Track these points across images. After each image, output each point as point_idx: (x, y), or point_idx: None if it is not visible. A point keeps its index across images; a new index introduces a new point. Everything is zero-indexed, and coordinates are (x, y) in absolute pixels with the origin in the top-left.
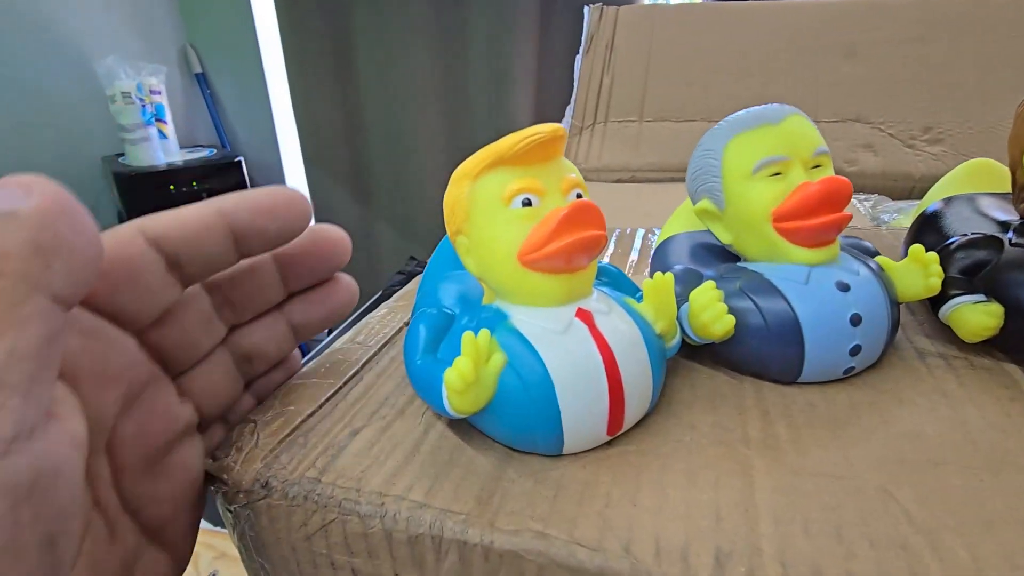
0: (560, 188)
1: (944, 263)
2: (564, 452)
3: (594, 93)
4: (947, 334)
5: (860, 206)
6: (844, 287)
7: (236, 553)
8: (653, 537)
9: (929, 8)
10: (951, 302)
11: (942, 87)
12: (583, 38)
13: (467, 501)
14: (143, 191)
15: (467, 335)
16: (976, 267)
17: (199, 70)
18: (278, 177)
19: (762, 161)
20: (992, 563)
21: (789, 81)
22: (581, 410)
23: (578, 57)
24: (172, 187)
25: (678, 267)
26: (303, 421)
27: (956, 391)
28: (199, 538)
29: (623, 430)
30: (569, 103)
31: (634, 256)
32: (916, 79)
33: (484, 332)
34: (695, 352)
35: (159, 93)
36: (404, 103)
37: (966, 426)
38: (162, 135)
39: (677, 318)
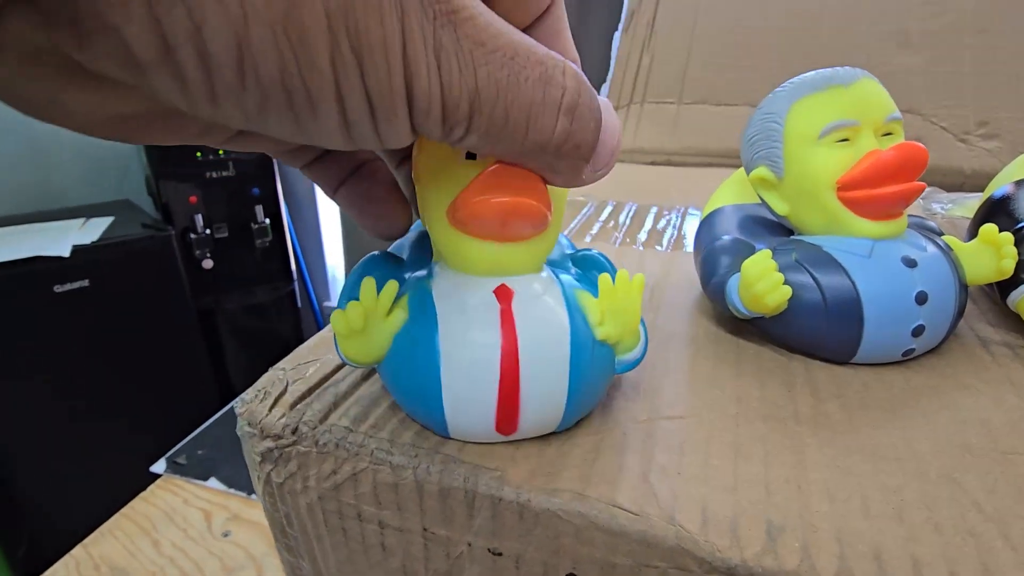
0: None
1: (1017, 246)
2: (452, 436)
3: (632, 72)
4: (1014, 323)
5: None
6: (911, 263)
7: (250, 516)
8: (699, 507)
9: None
10: (1023, 287)
11: (1002, 80)
12: (623, 14)
13: (503, 459)
14: (171, 157)
15: (368, 281)
16: None
17: None
18: None
19: (830, 125)
20: None
21: None
22: (467, 396)
23: (616, 34)
24: (199, 154)
25: (727, 237)
26: (332, 372)
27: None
28: (213, 498)
29: (517, 433)
30: (605, 81)
31: (672, 233)
32: (974, 71)
33: (391, 284)
34: (740, 327)
35: None
36: None
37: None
38: None
39: (724, 291)
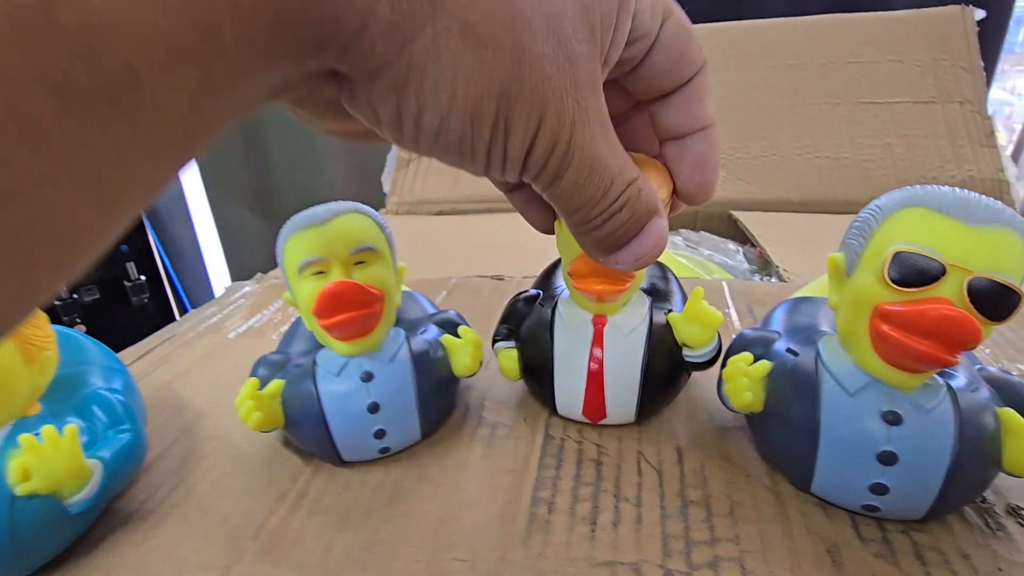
0: None
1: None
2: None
3: None
4: (527, 408)
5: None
6: (367, 377)
7: None
8: None
9: (719, 38)
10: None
11: (724, 115)
12: None
13: None
14: None
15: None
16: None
17: None
18: (176, 200)
19: (302, 263)
20: None
21: None
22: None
23: None
24: None
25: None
26: None
27: (476, 463)
28: None
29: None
30: None
31: None
32: None
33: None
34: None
35: None
36: None
37: (447, 507)
38: None
39: None
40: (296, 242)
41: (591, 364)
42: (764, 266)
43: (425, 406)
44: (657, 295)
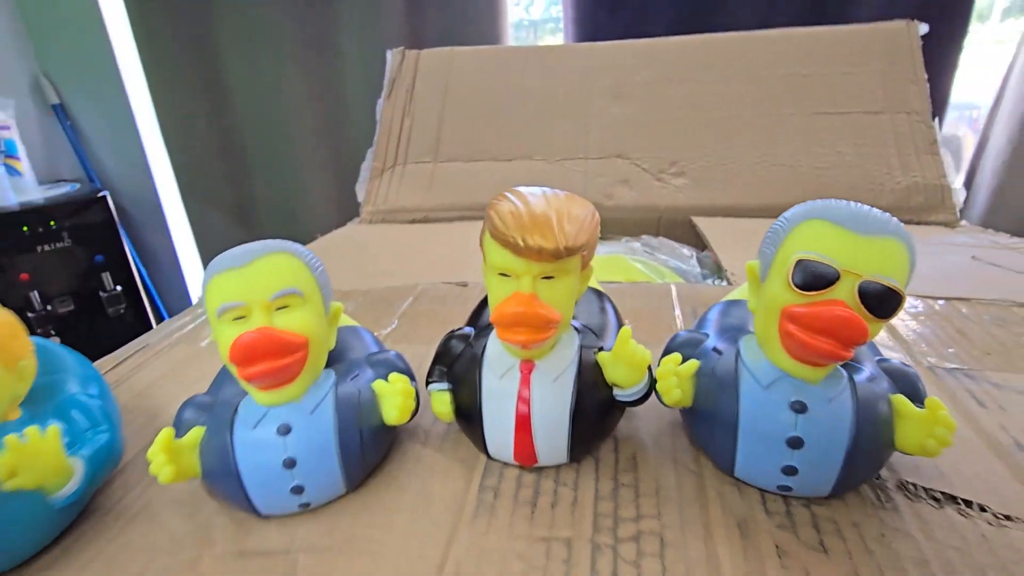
0: None
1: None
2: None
3: (395, 136)
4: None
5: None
6: (285, 430)
7: None
8: None
9: (685, 51)
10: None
11: (688, 124)
12: (385, 82)
13: None
14: None
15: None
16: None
17: (56, 101)
18: (152, 210)
19: (220, 308)
20: None
21: (568, 123)
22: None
23: (380, 100)
24: (25, 228)
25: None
26: None
27: (431, 455)
28: None
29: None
30: (372, 146)
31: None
32: (668, 117)
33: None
34: None
35: (8, 128)
36: (281, 120)
37: (403, 500)
38: (14, 172)
39: None
40: (216, 285)
41: (519, 409)
42: (717, 270)
43: (349, 460)
44: (590, 332)
